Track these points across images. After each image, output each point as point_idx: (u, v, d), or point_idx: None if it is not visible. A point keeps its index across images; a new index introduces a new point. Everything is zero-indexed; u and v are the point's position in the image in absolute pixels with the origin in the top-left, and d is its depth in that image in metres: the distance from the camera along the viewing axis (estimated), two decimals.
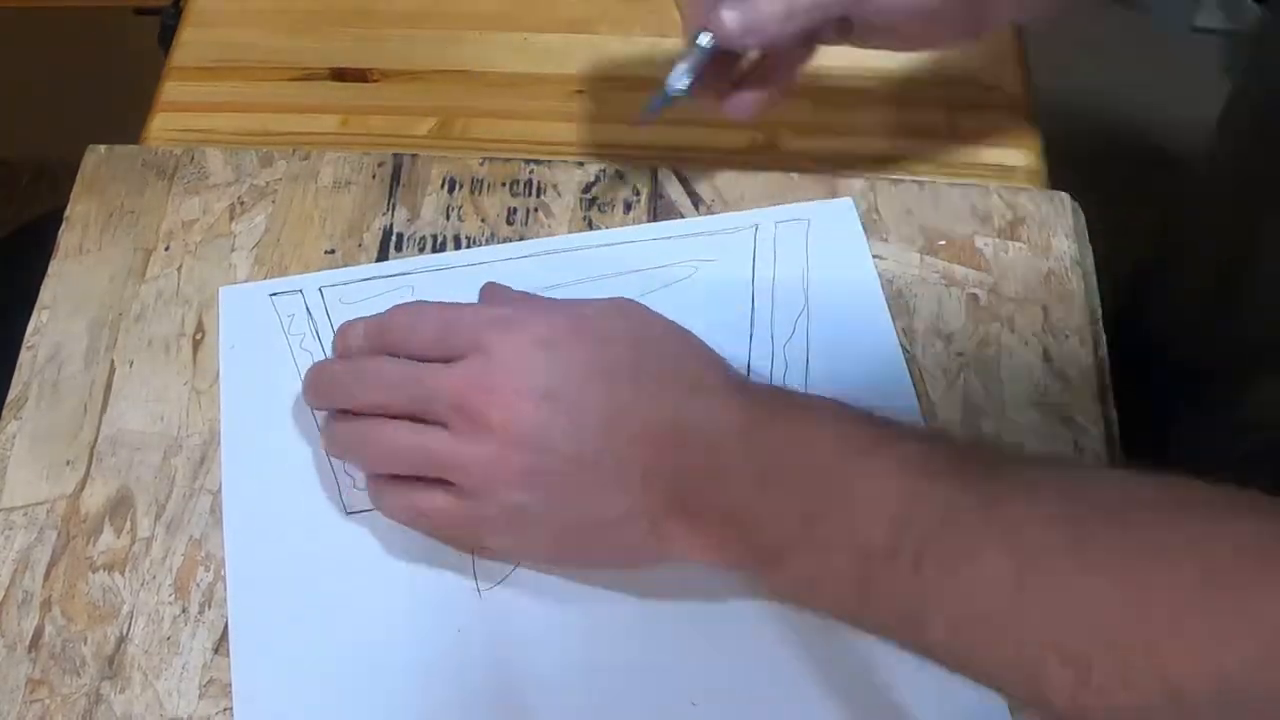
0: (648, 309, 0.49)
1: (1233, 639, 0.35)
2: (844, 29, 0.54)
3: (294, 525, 0.51)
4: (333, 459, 0.52)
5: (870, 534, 0.41)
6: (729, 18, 0.51)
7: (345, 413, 0.49)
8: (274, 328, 0.56)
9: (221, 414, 0.54)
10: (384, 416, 0.48)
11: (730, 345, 0.52)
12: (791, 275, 0.58)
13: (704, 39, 0.52)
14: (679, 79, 0.53)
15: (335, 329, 0.52)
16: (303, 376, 0.52)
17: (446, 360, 0.47)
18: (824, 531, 0.42)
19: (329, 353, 0.54)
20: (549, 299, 0.51)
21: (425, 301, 0.50)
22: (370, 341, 0.50)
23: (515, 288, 0.53)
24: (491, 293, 0.53)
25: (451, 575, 0.50)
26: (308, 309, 0.56)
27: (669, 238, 0.59)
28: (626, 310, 0.49)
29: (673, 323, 0.49)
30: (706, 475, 0.44)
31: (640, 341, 0.47)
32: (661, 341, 0.48)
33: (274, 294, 0.57)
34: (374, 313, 0.51)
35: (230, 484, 0.52)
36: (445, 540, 0.49)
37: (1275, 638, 0.35)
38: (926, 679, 0.47)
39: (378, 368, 0.49)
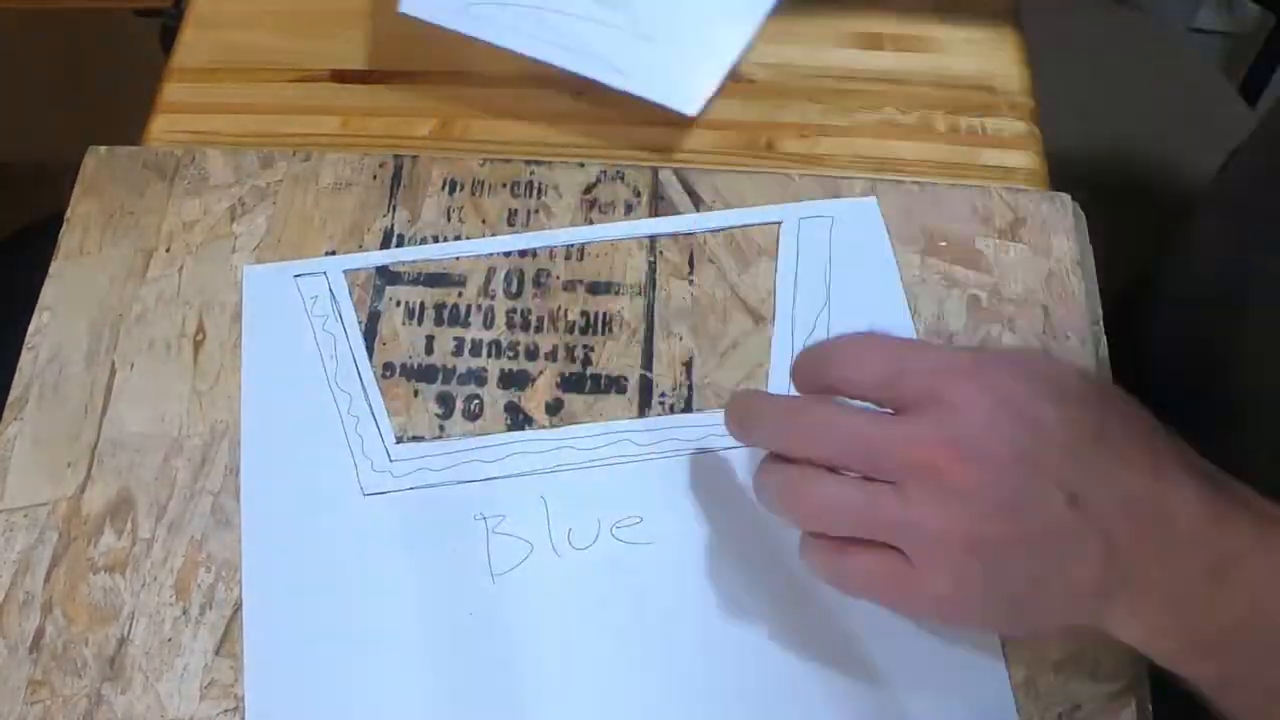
0: (1078, 366, 0.47)
1: None
2: None
3: (311, 506, 0.51)
4: (352, 441, 0.52)
5: None
6: None
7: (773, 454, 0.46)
8: (297, 309, 0.56)
9: (241, 393, 0.54)
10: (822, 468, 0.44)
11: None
12: (814, 272, 0.58)
13: None
14: None
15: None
16: (728, 404, 0.48)
17: (892, 405, 0.44)
18: (1253, 644, 0.41)
19: (351, 335, 0.55)
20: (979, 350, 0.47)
21: (873, 333, 0.46)
22: (806, 376, 0.46)
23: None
24: (908, 344, 0.49)
25: (465, 559, 0.50)
26: (331, 291, 0.57)
27: (690, 232, 0.59)
28: (1068, 366, 0.45)
29: (1114, 385, 0.46)
30: (1161, 555, 0.41)
31: (1097, 398, 0.43)
32: (1125, 407, 0.44)
33: (298, 275, 0.57)
34: None
35: (248, 463, 0.52)
36: (862, 596, 0.44)
37: None
38: (927, 680, 0.48)
39: (823, 417, 0.44)
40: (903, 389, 0.43)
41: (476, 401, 0.55)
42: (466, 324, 0.57)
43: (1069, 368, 0.45)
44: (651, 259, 0.59)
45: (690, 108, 0.62)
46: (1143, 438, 0.43)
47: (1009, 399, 0.42)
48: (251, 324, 0.56)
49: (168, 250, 0.58)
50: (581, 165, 0.61)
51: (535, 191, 0.61)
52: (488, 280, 0.58)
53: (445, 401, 0.54)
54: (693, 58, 0.63)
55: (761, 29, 0.65)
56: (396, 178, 0.61)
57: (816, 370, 0.46)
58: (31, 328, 0.56)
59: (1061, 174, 0.63)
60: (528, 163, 0.61)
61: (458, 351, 0.56)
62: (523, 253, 0.59)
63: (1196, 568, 0.41)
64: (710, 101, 0.65)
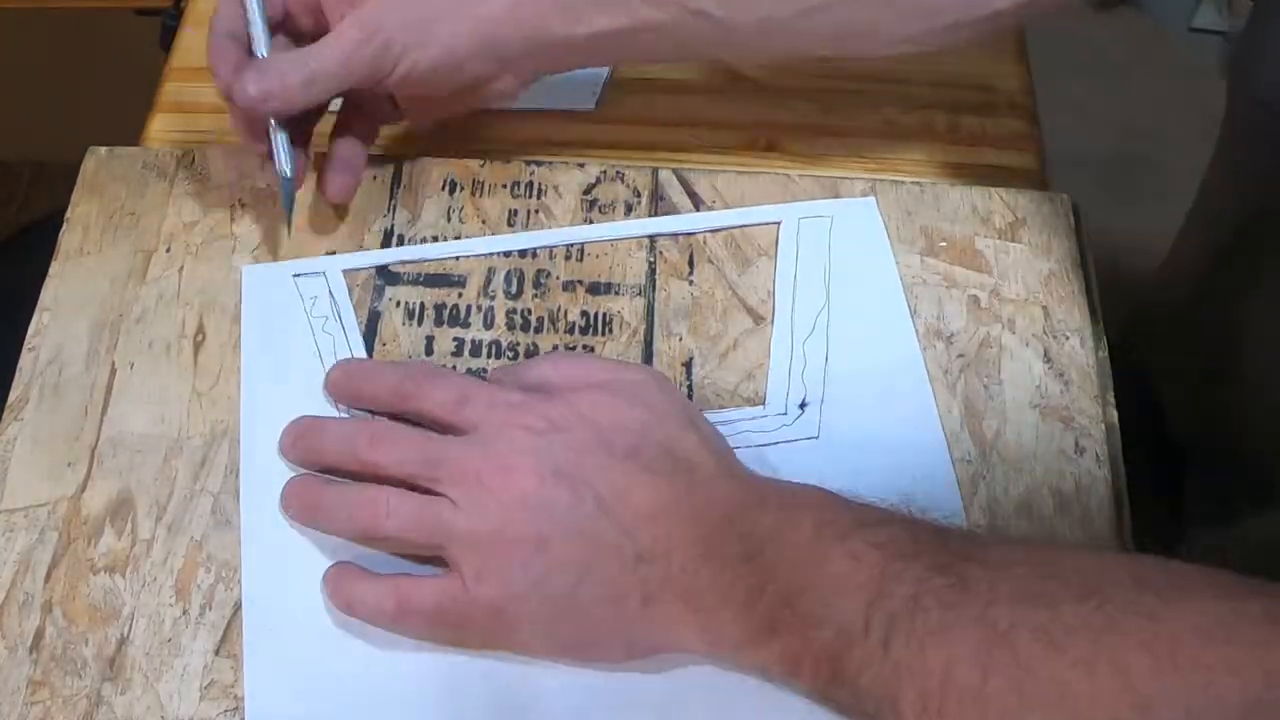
0: (662, 385, 0.50)
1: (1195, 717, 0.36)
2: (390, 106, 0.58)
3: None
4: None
5: (844, 612, 0.42)
6: (250, 82, 0.53)
7: (310, 476, 0.51)
8: (296, 308, 0.56)
9: (241, 392, 0.54)
10: (373, 480, 0.49)
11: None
12: (813, 272, 0.58)
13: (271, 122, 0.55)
14: (282, 167, 0.55)
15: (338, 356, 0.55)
16: (290, 428, 0.52)
17: (458, 429, 0.48)
18: (804, 610, 0.43)
19: (350, 335, 0.55)
20: (559, 386, 0.50)
21: (442, 369, 0.54)
22: (380, 391, 0.52)
23: None
24: (501, 376, 0.53)
25: None
26: (330, 291, 0.57)
27: (690, 232, 0.59)
28: (637, 390, 0.49)
29: (683, 402, 0.50)
30: (701, 556, 0.45)
31: (647, 423, 0.48)
32: (665, 424, 0.48)
33: (297, 275, 0.57)
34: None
35: (248, 463, 0.52)
36: (427, 638, 0.48)
37: (1234, 715, 0.36)
38: None
39: (389, 429, 0.50)
40: (468, 413, 0.48)
41: None
42: (466, 324, 0.57)
43: (635, 391, 0.49)
44: (651, 259, 0.59)
45: (588, 104, 0.65)
46: (680, 452, 0.47)
47: (556, 422, 0.47)
48: (251, 323, 0.56)
49: (168, 250, 0.58)
50: (581, 165, 0.61)
51: (535, 192, 0.61)
52: (488, 280, 0.58)
53: None
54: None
55: None
56: (396, 178, 0.61)
57: (393, 387, 0.51)
58: (31, 328, 0.56)
59: (1061, 174, 0.63)
60: (527, 163, 0.61)
61: (458, 352, 0.56)
62: (523, 253, 0.59)
63: (731, 557, 0.44)
64: (710, 100, 0.65)
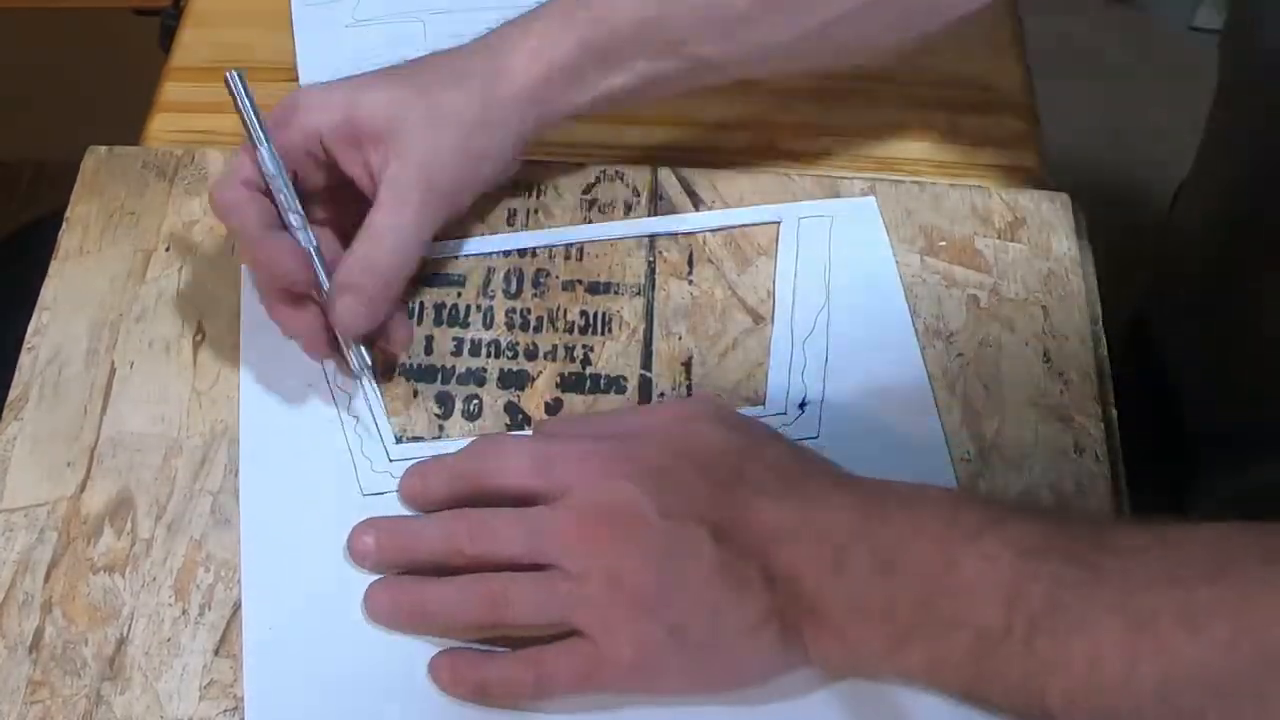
0: (720, 404, 0.50)
1: None
2: None
3: (310, 506, 0.51)
4: (352, 441, 0.52)
5: (984, 614, 0.42)
6: (345, 312, 0.51)
7: (402, 578, 0.48)
8: None
9: (240, 392, 0.54)
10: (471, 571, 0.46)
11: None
12: (813, 271, 0.58)
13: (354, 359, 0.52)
14: (362, 369, 0.53)
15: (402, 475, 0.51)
16: (358, 537, 0.49)
17: (542, 496, 0.46)
18: (941, 615, 0.43)
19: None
20: (627, 419, 0.50)
21: (503, 435, 0.52)
22: (451, 485, 0.49)
23: None
24: (560, 429, 0.52)
25: None
26: None
27: (690, 231, 0.59)
28: (710, 413, 0.49)
29: (756, 420, 0.50)
30: (832, 573, 0.44)
31: (738, 446, 0.47)
32: (758, 443, 0.48)
33: None
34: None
35: (248, 463, 0.52)
36: (567, 695, 0.46)
37: None
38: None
39: (480, 516, 0.47)
40: (558, 475, 0.46)
41: (476, 401, 0.55)
42: (466, 324, 0.57)
43: (708, 415, 0.48)
44: (651, 259, 0.59)
45: None
46: (785, 469, 0.46)
47: (644, 459, 0.46)
48: (251, 323, 0.56)
49: (167, 250, 0.58)
50: (581, 165, 0.61)
51: (534, 191, 0.61)
52: (487, 280, 0.58)
53: (444, 401, 0.54)
54: None
55: None
56: None
57: (464, 478, 0.49)
58: (31, 327, 0.56)
59: (1061, 174, 0.63)
60: (527, 162, 0.61)
61: (457, 351, 0.56)
62: (522, 252, 0.59)
63: (863, 569, 0.44)
64: (710, 100, 0.65)
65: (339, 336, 0.52)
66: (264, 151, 0.51)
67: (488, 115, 0.53)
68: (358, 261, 0.51)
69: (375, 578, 0.49)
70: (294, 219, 0.51)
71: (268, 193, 0.51)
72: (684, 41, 0.55)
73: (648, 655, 0.44)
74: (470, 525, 0.47)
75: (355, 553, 0.49)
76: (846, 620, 0.44)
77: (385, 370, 0.54)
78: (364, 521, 0.49)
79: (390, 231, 0.51)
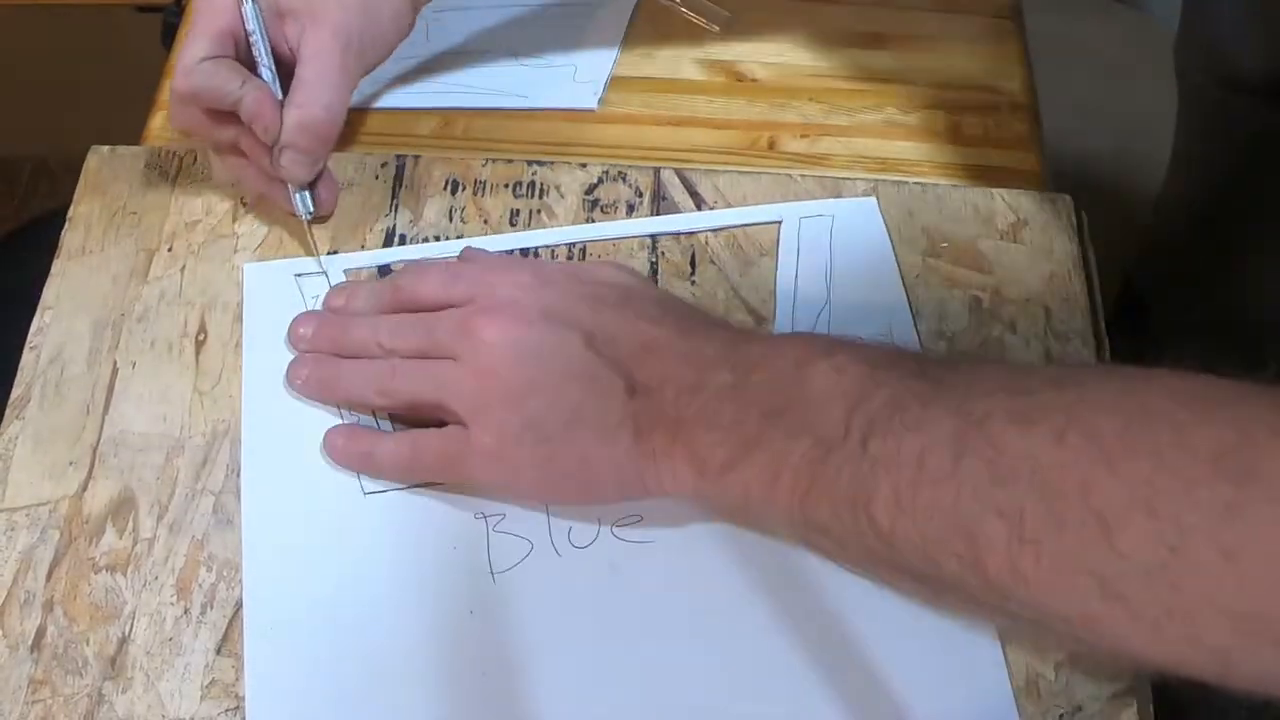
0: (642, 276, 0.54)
1: (1176, 491, 0.35)
2: None
3: (311, 505, 0.51)
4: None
5: (826, 421, 0.43)
6: (291, 165, 0.56)
7: (322, 355, 0.54)
8: (297, 307, 0.56)
9: (242, 390, 0.54)
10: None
11: None
12: (815, 271, 0.58)
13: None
14: (304, 210, 0.58)
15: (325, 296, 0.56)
16: (296, 327, 0.54)
17: (453, 304, 0.51)
18: (786, 423, 0.44)
19: None
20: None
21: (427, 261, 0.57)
22: (377, 299, 0.54)
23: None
24: (475, 253, 0.57)
25: (466, 557, 0.50)
26: None
27: (692, 231, 0.59)
28: (620, 266, 0.54)
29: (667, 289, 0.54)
30: (691, 389, 0.46)
31: (632, 285, 0.51)
32: (649, 288, 0.52)
33: (299, 274, 0.57)
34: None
35: (249, 461, 0.52)
36: (438, 478, 0.51)
37: (1204, 464, 0.35)
38: (927, 682, 0.48)
39: (393, 318, 0.52)
40: (458, 287, 0.51)
41: None
42: None
43: (619, 266, 0.53)
44: (653, 259, 0.59)
45: (590, 102, 0.66)
46: (670, 305, 0.50)
47: (544, 278, 0.50)
48: (252, 321, 0.56)
49: (170, 249, 0.58)
50: (583, 165, 0.61)
51: (537, 191, 0.61)
52: None
53: None
54: (577, 67, 0.67)
55: (627, 32, 0.69)
56: (399, 177, 0.61)
57: (385, 296, 0.54)
58: (33, 327, 0.56)
59: (1062, 174, 0.63)
60: (529, 163, 0.61)
61: None
62: (525, 252, 0.59)
63: (721, 385, 0.46)
64: (712, 100, 0.65)
65: (288, 185, 0.57)
66: (248, 9, 0.56)
67: None
68: (297, 121, 0.55)
69: (374, 554, 0.49)
70: (265, 73, 0.56)
71: (236, 56, 0.56)
72: None
73: (505, 445, 0.48)
74: (389, 324, 0.52)
75: (293, 338, 0.55)
76: (695, 432, 0.46)
77: (317, 219, 0.59)
78: (304, 313, 0.55)
79: (319, 91, 0.56)
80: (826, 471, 0.42)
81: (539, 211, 0.60)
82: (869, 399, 0.42)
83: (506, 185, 0.61)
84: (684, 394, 0.46)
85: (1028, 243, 0.59)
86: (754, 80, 0.67)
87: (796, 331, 0.49)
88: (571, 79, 0.66)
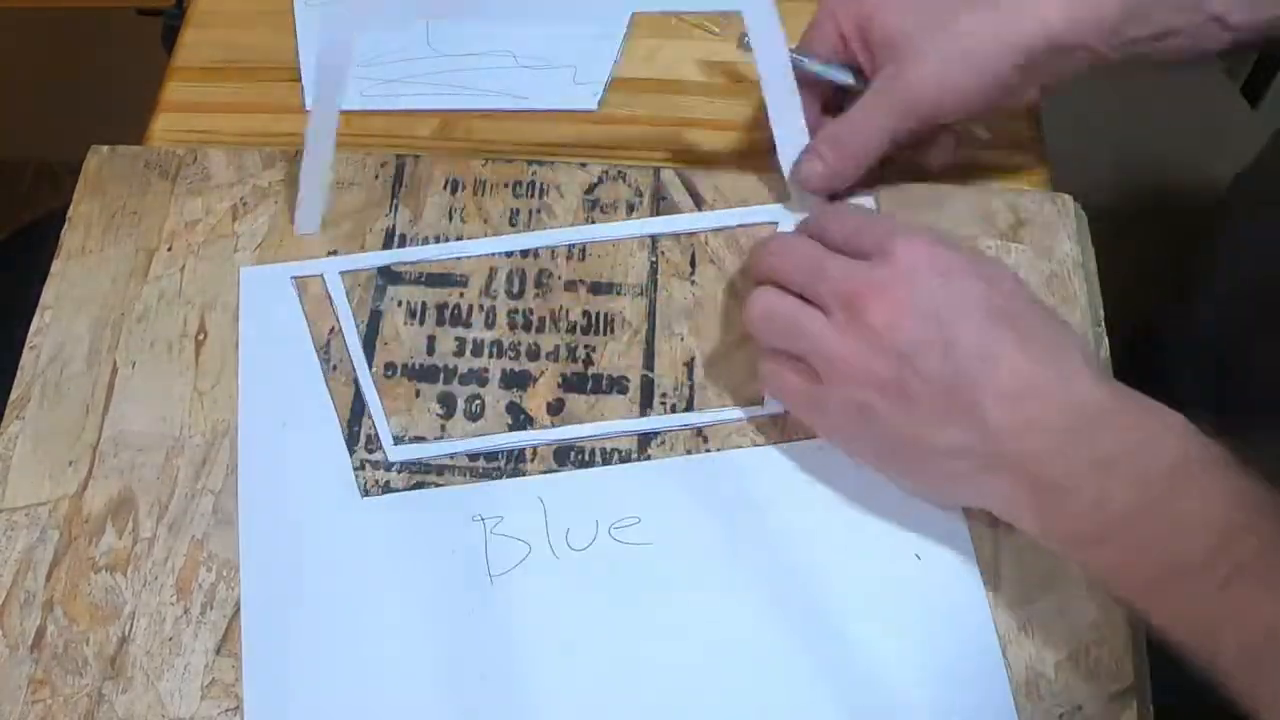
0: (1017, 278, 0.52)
1: None
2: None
3: (310, 506, 0.51)
4: (346, 439, 0.53)
5: (1187, 550, 0.42)
6: (804, 168, 0.57)
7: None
8: (294, 310, 0.56)
9: (239, 394, 0.54)
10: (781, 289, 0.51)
11: None
12: None
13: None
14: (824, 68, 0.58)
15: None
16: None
17: (855, 254, 0.50)
18: (1146, 530, 0.43)
19: (349, 336, 0.55)
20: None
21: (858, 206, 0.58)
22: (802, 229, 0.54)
23: None
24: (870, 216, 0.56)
25: (464, 559, 0.50)
26: (328, 292, 0.57)
27: (692, 231, 0.59)
28: (1007, 269, 0.52)
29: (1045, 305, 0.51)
30: (1057, 451, 0.45)
31: (1025, 297, 0.49)
32: (1038, 302, 0.49)
33: (295, 276, 0.57)
34: None
35: (246, 464, 0.52)
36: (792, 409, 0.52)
37: None
38: (927, 681, 0.48)
39: (795, 246, 0.52)
40: (862, 239, 0.50)
41: (478, 402, 0.55)
42: (468, 324, 0.57)
43: (1010, 273, 0.51)
44: (653, 259, 0.59)
45: (590, 103, 0.65)
46: (1053, 332, 0.48)
47: (944, 266, 0.48)
48: (249, 325, 0.56)
49: (169, 249, 0.58)
50: (583, 165, 0.61)
51: (537, 191, 0.61)
52: (489, 280, 0.58)
53: (446, 402, 0.54)
54: (576, 67, 0.67)
55: (627, 32, 0.68)
56: (398, 177, 0.61)
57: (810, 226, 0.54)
58: (33, 327, 0.56)
59: (1062, 174, 0.63)
60: (529, 163, 0.61)
61: (459, 352, 0.56)
62: (524, 253, 0.59)
63: (1087, 458, 0.44)
64: (712, 100, 0.65)
65: (789, 184, 0.58)
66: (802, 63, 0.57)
67: (999, 49, 0.54)
68: (828, 135, 0.56)
69: (370, 586, 0.49)
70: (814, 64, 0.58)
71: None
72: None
73: (849, 420, 0.49)
74: (778, 243, 0.53)
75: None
76: (1053, 499, 0.45)
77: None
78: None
79: (863, 122, 0.56)
80: (1175, 593, 0.43)
81: (539, 211, 0.60)
82: (1238, 544, 0.42)
83: (506, 185, 0.61)
84: (1047, 452, 0.45)
85: (1028, 243, 0.59)
86: (754, 80, 0.67)
87: (1171, 412, 0.45)
88: (571, 79, 0.66)
